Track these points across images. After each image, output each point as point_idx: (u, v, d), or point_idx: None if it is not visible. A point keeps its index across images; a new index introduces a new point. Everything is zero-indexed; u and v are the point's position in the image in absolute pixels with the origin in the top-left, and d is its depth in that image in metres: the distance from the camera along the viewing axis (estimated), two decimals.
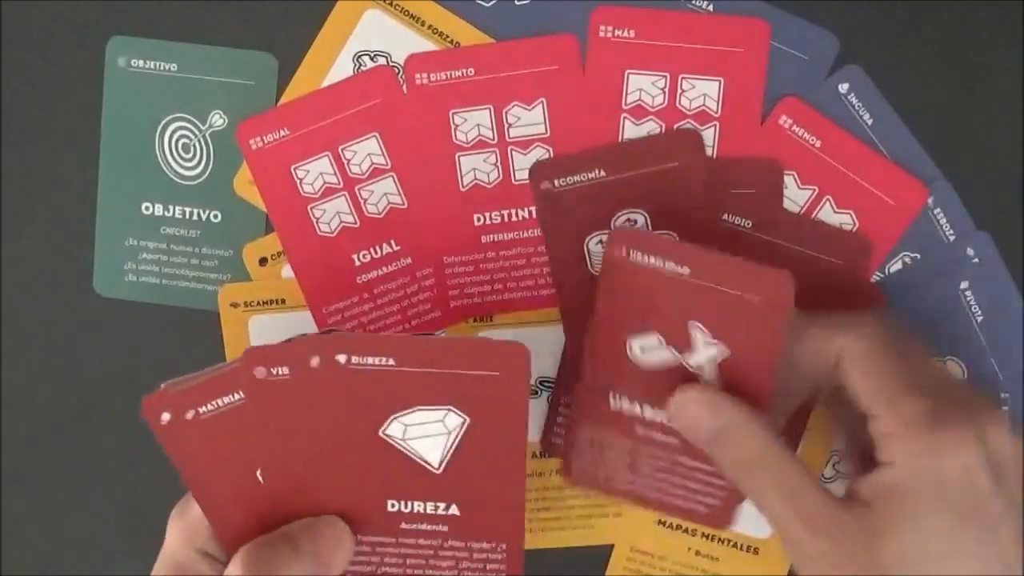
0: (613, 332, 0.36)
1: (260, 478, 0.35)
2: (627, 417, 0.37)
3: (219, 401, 0.34)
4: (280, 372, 0.33)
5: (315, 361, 0.33)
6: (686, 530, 0.44)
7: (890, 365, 0.33)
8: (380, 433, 0.34)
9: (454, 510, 0.36)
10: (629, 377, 0.36)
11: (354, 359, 0.33)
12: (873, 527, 0.32)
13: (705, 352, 0.35)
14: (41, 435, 0.45)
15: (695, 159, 0.42)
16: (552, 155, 0.42)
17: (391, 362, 0.33)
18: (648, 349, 0.35)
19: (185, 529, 0.36)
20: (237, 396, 0.34)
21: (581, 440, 0.38)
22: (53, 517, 0.46)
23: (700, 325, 0.34)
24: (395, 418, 0.34)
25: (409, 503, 0.36)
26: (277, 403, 0.34)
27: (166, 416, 0.34)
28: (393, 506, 0.36)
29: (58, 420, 0.45)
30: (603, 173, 0.41)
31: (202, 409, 0.34)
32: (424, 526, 0.36)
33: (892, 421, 0.32)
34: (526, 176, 0.42)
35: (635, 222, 0.41)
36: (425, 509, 0.36)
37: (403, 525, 0.36)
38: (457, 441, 0.34)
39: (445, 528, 0.36)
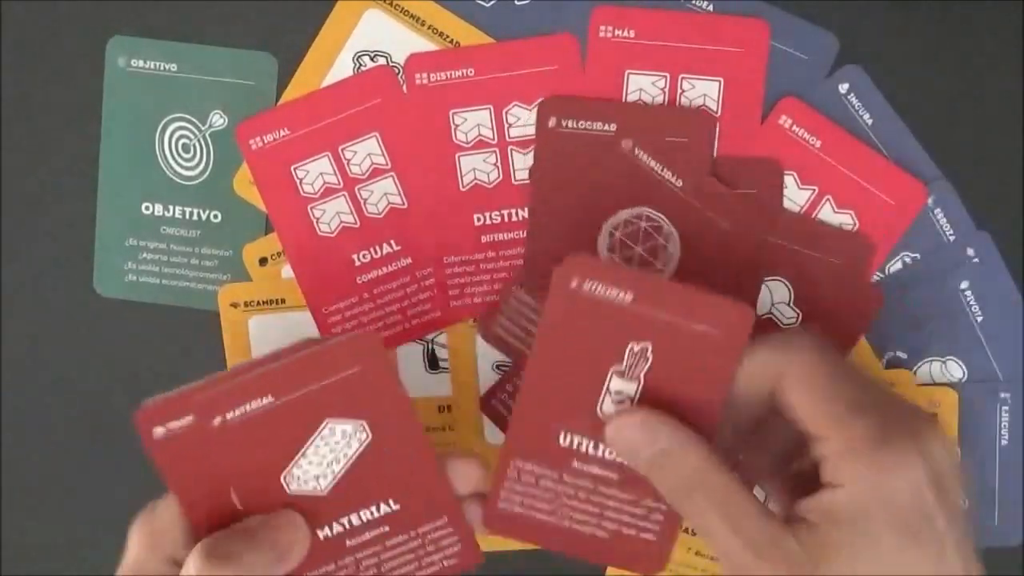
0: (560, 365, 0.35)
1: (234, 498, 0.35)
2: (570, 452, 0.36)
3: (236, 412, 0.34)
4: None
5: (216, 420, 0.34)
6: (686, 530, 0.44)
7: (833, 385, 0.33)
8: (284, 476, 0.35)
9: (392, 506, 0.36)
10: (576, 411, 0.35)
11: (229, 416, 0.34)
12: (820, 549, 0.31)
13: (635, 377, 0.34)
14: (41, 435, 0.45)
15: (704, 137, 0.42)
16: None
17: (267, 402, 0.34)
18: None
19: (152, 536, 0.36)
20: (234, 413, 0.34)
21: (511, 474, 0.36)
22: (53, 517, 0.46)
23: (647, 346, 0.34)
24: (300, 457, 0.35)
25: (343, 520, 0.36)
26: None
27: (160, 430, 0.34)
28: (332, 529, 0.36)
29: (58, 420, 0.45)
30: (611, 127, 0.41)
31: (228, 416, 0.34)
32: (366, 535, 0.36)
33: (839, 442, 0.32)
34: (526, 176, 0.42)
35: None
36: (362, 519, 0.36)
37: (348, 543, 0.36)
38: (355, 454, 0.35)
39: (386, 528, 0.36)
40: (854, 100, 0.42)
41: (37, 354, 0.45)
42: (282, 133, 0.42)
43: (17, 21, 0.44)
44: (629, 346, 0.34)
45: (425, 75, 0.42)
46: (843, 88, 0.42)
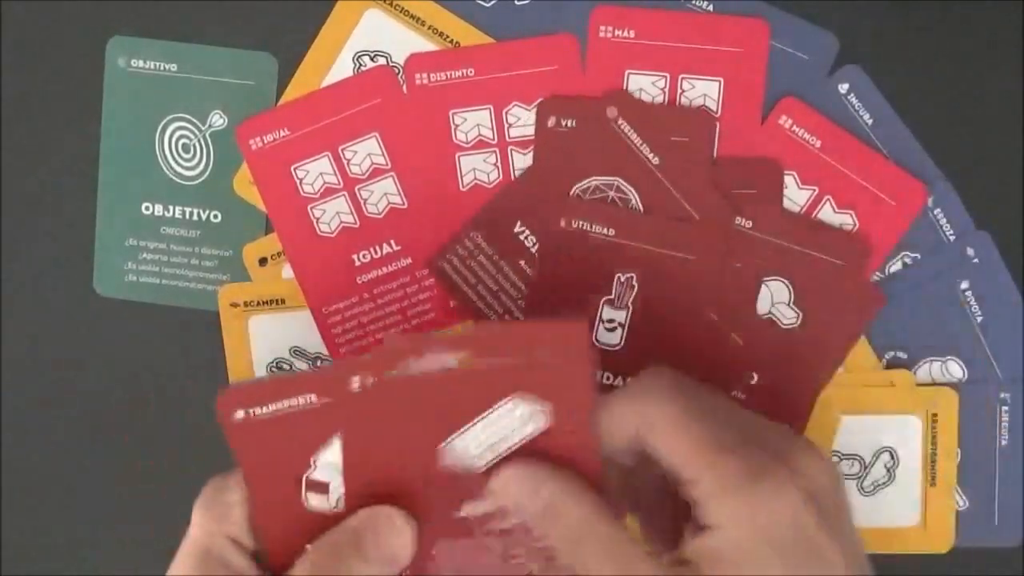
0: (402, 460, 0.34)
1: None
2: (470, 520, 0.35)
3: (297, 400, 0.34)
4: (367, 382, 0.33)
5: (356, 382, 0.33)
6: None
7: (695, 427, 0.32)
8: (443, 446, 0.34)
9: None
10: (448, 484, 0.34)
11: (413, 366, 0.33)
12: None
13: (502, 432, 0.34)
14: (41, 435, 0.45)
15: (704, 137, 0.42)
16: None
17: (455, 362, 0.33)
18: (463, 452, 0.34)
19: (216, 516, 0.35)
20: (311, 399, 0.34)
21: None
22: (53, 517, 0.46)
23: (512, 399, 0.33)
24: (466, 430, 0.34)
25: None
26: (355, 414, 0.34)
27: (240, 413, 0.34)
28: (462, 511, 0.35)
29: (58, 420, 0.45)
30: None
31: (272, 407, 0.34)
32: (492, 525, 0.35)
33: (710, 483, 0.31)
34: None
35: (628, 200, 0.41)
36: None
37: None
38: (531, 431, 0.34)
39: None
40: (854, 100, 0.42)
41: (37, 354, 0.45)
42: (282, 133, 0.42)
43: (17, 21, 0.44)
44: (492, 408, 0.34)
45: (425, 75, 0.42)
46: (843, 88, 0.42)
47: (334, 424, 0.34)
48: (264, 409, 0.33)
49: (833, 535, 0.31)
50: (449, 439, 0.34)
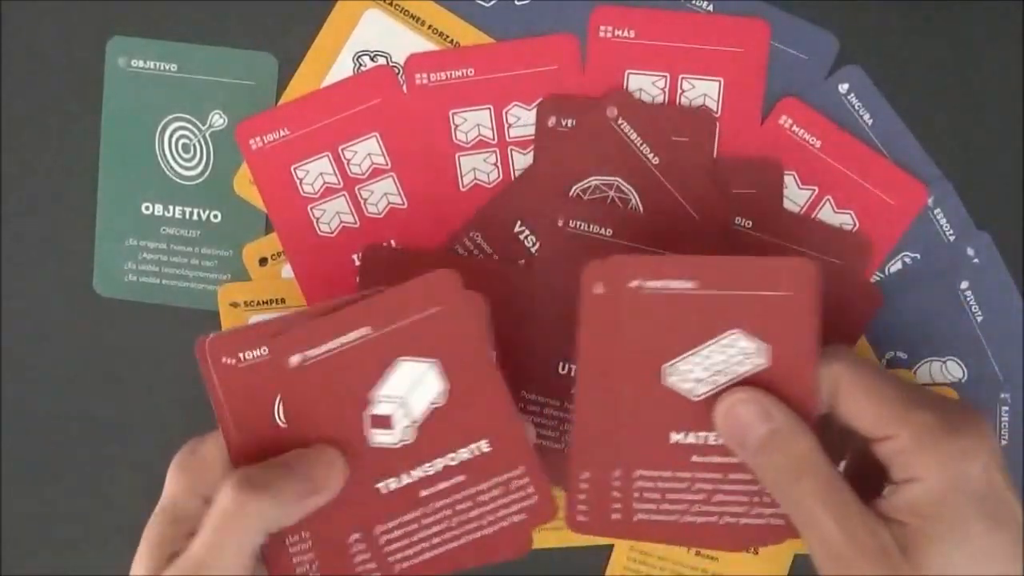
0: (631, 369, 0.34)
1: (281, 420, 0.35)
2: (680, 448, 0.35)
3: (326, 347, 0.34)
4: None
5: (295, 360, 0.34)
6: None
7: (887, 387, 0.33)
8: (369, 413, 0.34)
9: (484, 448, 0.35)
10: (666, 409, 0.35)
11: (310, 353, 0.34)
12: (914, 544, 0.31)
13: (744, 357, 0.34)
14: (41, 435, 0.45)
15: (704, 136, 0.42)
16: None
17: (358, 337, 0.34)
18: (685, 375, 0.34)
19: (192, 473, 0.35)
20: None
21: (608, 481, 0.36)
22: (53, 517, 0.46)
23: (736, 332, 0.34)
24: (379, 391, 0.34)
25: (424, 467, 0.35)
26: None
27: (241, 356, 0.34)
28: (409, 477, 0.35)
29: (58, 420, 0.45)
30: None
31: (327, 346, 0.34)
32: (442, 484, 0.36)
33: (907, 438, 0.32)
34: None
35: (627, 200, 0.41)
36: (445, 464, 0.35)
37: (423, 492, 0.36)
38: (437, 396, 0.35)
39: (463, 477, 0.36)
40: (854, 100, 0.42)
41: (37, 354, 0.45)
42: (282, 133, 0.42)
43: (17, 21, 0.44)
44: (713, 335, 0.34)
45: (425, 75, 0.42)
46: (843, 88, 0.42)
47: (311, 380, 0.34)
48: (318, 350, 0.34)
49: (1014, 491, 0.32)
50: (674, 360, 0.34)
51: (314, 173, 0.42)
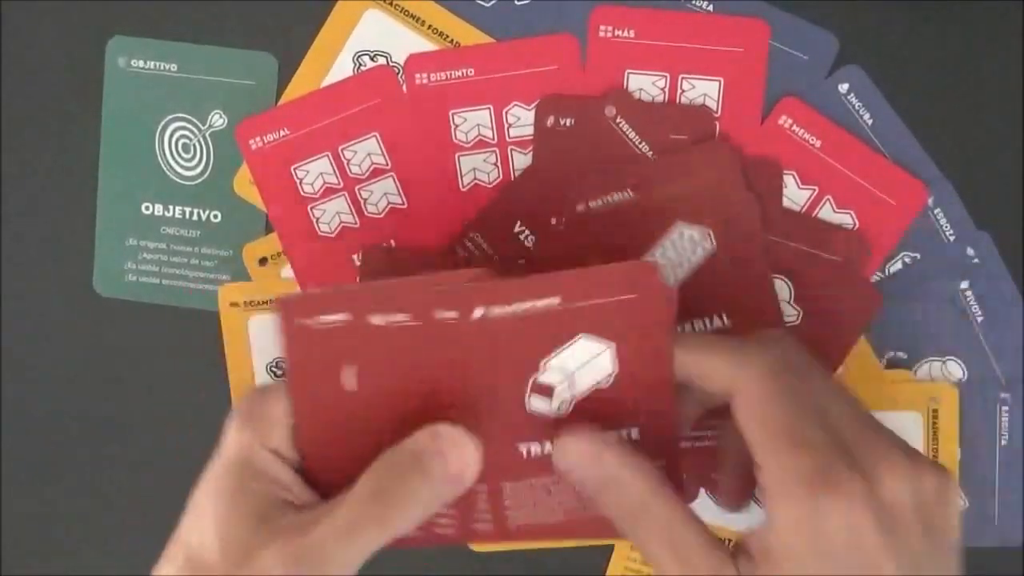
0: (502, 388, 0.34)
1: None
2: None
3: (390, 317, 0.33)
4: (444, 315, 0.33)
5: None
6: None
7: (782, 413, 0.31)
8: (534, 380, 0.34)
9: (633, 435, 0.35)
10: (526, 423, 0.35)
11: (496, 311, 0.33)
12: None
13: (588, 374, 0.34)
14: (41, 435, 0.45)
15: (703, 135, 0.42)
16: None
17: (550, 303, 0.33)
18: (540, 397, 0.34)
19: (259, 430, 0.34)
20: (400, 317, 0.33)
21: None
22: (53, 517, 0.46)
23: (579, 340, 0.34)
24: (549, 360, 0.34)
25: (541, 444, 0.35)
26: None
27: (317, 319, 0.33)
28: (527, 450, 0.35)
29: (58, 420, 0.45)
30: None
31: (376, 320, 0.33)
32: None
33: (775, 477, 0.30)
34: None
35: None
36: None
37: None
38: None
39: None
40: (854, 100, 0.42)
41: (37, 354, 0.45)
42: (282, 133, 0.42)
43: (17, 21, 0.44)
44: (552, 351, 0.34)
45: (425, 75, 0.42)
46: (843, 88, 0.42)
47: (415, 345, 0.33)
48: (503, 308, 0.33)
49: (898, 556, 0.29)
50: (542, 365, 0.34)
51: (314, 173, 0.42)
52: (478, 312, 0.33)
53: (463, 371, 0.34)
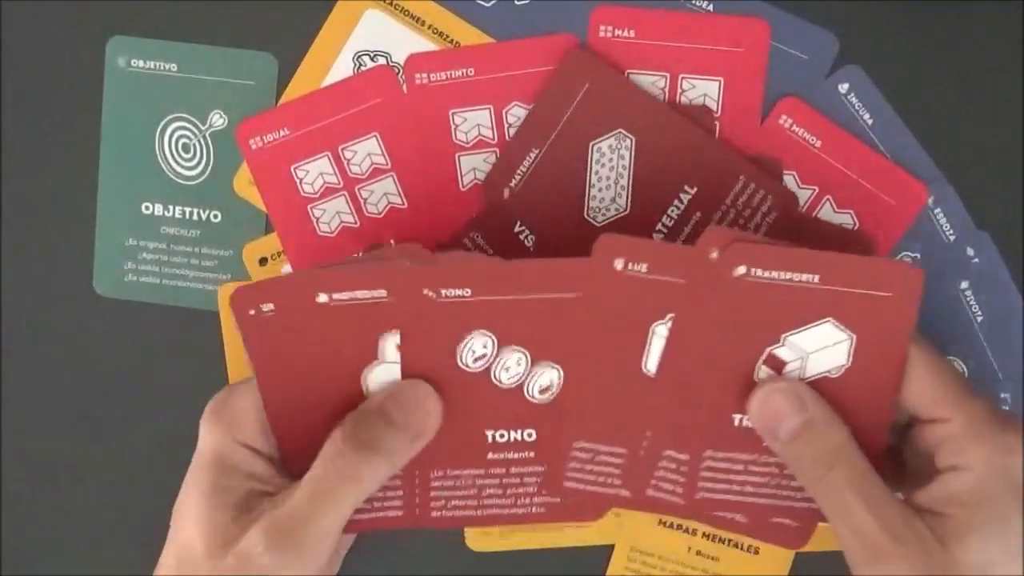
0: (736, 347, 0.35)
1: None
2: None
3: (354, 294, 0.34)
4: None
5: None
6: (687, 530, 0.44)
7: (949, 371, 0.34)
8: None
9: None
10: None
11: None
12: (952, 535, 0.31)
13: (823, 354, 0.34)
14: (41, 435, 0.45)
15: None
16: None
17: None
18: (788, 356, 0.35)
19: (229, 425, 0.35)
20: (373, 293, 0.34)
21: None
22: (53, 517, 0.46)
23: (830, 320, 0.34)
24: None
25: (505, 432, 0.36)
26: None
27: (262, 307, 0.34)
28: (739, 420, 0.35)
29: (58, 420, 0.45)
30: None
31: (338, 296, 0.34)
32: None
33: (961, 424, 0.32)
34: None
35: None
36: None
37: (490, 456, 0.36)
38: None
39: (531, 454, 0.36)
40: (854, 100, 0.42)
41: (37, 354, 0.45)
42: (282, 133, 0.42)
43: (17, 21, 0.44)
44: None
45: (425, 75, 0.42)
46: (843, 88, 0.42)
47: (377, 320, 0.34)
48: (331, 297, 0.33)
49: None
50: (782, 339, 0.34)
51: (314, 173, 0.42)
52: (739, 270, 0.33)
53: (438, 342, 0.34)
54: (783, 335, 0.34)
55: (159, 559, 0.35)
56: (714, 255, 0.33)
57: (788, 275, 0.33)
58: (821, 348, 0.34)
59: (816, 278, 0.33)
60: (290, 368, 0.34)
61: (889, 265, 0.34)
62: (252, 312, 0.34)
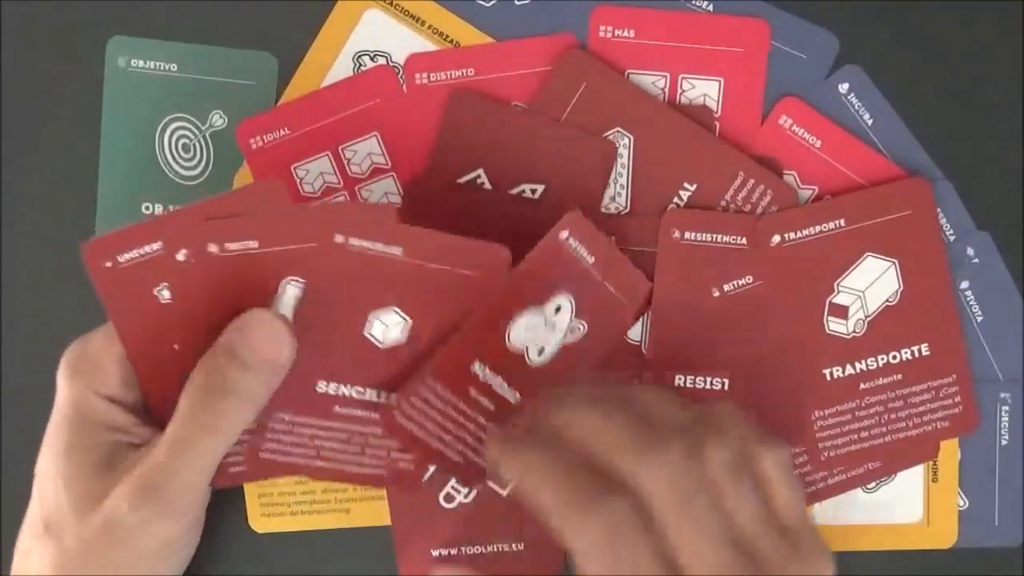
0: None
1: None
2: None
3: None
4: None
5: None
6: None
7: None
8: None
9: (923, 352, 0.38)
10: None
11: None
12: None
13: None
14: (41, 436, 0.45)
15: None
16: None
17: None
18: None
19: (89, 378, 0.33)
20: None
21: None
22: None
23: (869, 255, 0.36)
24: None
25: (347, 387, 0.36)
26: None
27: (114, 260, 0.34)
28: (830, 373, 0.37)
29: None
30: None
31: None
32: (880, 380, 0.38)
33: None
34: None
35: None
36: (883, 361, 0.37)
37: (862, 386, 0.37)
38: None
39: (899, 376, 0.38)
40: (854, 100, 0.42)
41: (37, 354, 0.45)
42: (282, 133, 0.42)
43: (17, 21, 0.44)
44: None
45: (425, 75, 0.42)
46: (843, 88, 0.42)
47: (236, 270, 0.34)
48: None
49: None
50: (836, 286, 0.37)
51: (314, 173, 0.42)
52: (775, 239, 0.36)
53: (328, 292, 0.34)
54: (835, 283, 0.36)
55: (23, 522, 0.34)
56: (563, 235, 0.36)
57: (817, 228, 0.36)
58: (873, 281, 0.36)
59: (842, 222, 0.36)
60: (151, 315, 0.34)
61: (897, 186, 0.37)
62: (108, 264, 0.33)
